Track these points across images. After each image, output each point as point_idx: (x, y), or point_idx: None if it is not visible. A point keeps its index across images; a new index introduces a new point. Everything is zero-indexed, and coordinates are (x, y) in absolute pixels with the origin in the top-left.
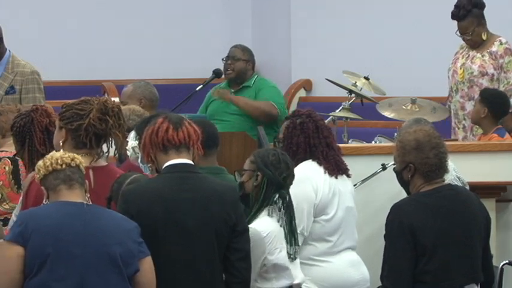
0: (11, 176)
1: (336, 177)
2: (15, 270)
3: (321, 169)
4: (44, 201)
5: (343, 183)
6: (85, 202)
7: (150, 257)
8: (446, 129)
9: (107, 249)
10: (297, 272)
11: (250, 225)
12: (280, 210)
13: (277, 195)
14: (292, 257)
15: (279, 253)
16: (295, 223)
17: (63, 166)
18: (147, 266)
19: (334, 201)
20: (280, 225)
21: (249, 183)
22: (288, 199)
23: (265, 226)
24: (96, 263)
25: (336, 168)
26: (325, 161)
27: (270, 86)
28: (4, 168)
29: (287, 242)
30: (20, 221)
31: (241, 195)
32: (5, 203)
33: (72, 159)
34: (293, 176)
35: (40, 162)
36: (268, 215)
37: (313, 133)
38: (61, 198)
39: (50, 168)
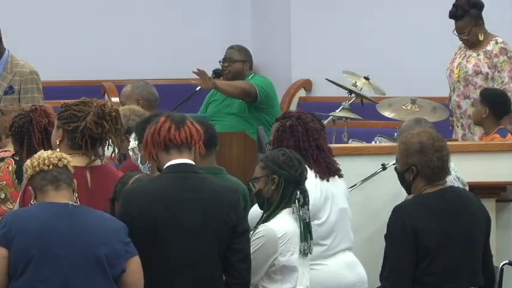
0: (14, 176)
1: (328, 180)
2: (0, 271)
3: (311, 173)
4: (31, 201)
5: (335, 185)
6: (71, 203)
7: (137, 256)
8: (445, 129)
9: (92, 250)
10: (303, 279)
11: (266, 224)
12: (303, 206)
13: (298, 192)
14: (306, 253)
15: (291, 256)
16: (310, 219)
17: (50, 167)
18: (134, 266)
19: (326, 206)
20: (303, 222)
21: (266, 188)
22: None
23: (281, 226)
24: (81, 264)
25: (327, 171)
26: (315, 164)
27: (260, 76)
28: (8, 168)
29: (301, 239)
30: (4, 223)
31: (261, 203)
32: (8, 203)
33: (60, 160)
34: (306, 170)
35: (28, 162)
36: (293, 213)
37: (303, 136)
38: (48, 199)
39: (37, 169)
